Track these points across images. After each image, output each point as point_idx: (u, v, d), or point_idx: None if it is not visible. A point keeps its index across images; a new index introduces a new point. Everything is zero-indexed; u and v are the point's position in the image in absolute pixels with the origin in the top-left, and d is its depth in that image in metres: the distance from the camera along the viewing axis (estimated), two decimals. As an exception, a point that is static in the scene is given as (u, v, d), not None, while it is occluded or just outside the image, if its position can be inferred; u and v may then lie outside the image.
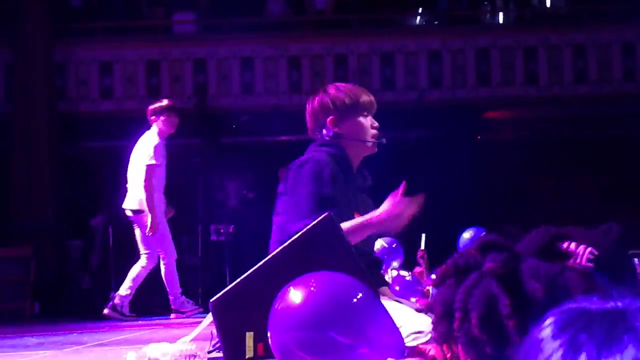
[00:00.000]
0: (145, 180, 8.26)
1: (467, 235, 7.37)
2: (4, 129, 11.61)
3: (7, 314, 9.76)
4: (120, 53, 12.38)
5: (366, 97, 3.47)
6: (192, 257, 10.96)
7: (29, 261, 10.36)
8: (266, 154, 11.59)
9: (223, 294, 2.67)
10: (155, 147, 8.43)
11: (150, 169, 8.34)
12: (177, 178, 11.53)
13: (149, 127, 8.67)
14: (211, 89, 12.37)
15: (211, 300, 2.66)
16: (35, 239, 10.73)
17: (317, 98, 3.45)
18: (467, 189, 11.33)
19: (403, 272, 6.18)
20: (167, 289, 8.55)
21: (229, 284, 2.74)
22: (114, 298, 8.55)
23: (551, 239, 1.54)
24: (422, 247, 7.29)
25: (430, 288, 5.45)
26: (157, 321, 8.34)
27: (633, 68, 12.44)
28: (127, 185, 8.56)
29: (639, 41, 12.49)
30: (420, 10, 13.21)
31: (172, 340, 3.59)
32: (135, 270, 8.52)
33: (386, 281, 3.56)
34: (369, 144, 3.41)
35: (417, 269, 6.91)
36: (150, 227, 8.16)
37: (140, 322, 8.31)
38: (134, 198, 8.40)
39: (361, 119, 3.42)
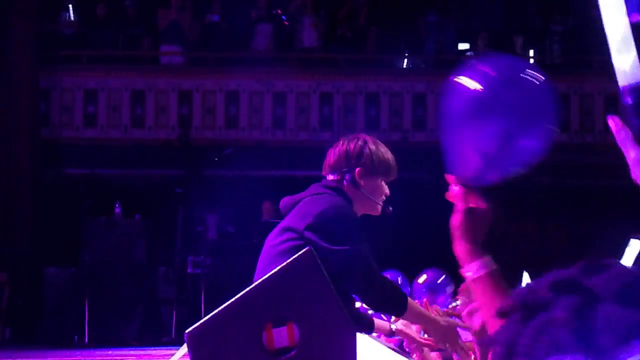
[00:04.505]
0: None
1: (421, 279, 7.26)
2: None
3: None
4: (105, 81, 12.39)
5: (394, 165, 3.52)
6: (167, 289, 10.89)
7: (2, 287, 10.25)
8: (248, 189, 11.58)
9: (199, 325, 2.66)
10: None
11: None
12: (157, 209, 11.50)
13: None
14: (195, 120, 12.38)
15: (187, 331, 2.64)
16: (10, 265, 10.62)
17: (356, 143, 3.46)
18: (448, 230, 11.32)
19: None
20: None
21: (204, 317, 2.72)
22: None
23: (634, 281, 1.34)
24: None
25: (393, 326, 5.38)
26: (131, 352, 8.27)
27: (615, 119, 12.55)
28: None
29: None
30: (406, 53, 13.31)
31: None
32: None
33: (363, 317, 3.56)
34: (378, 207, 3.47)
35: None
36: None
37: (111, 352, 8.23)
38: None
39: (382, 181, 3.46)
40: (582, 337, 1.25)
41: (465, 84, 1.85)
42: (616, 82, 1.23)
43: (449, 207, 1.95)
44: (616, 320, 1.26)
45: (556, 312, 1.26)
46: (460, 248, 1.87)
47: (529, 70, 1.84)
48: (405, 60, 13.38)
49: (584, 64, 13.01)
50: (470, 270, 1.83)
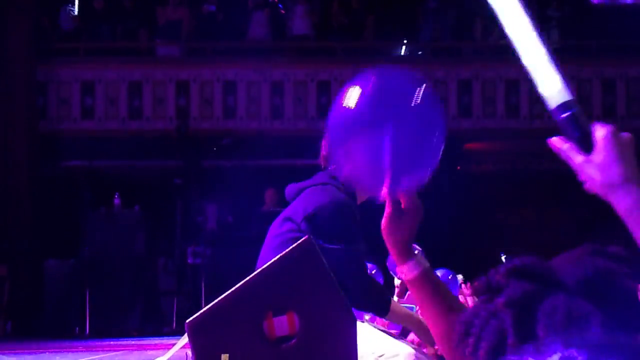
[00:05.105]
0: None
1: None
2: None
3: (-21, 333, 9.66)
4: (102, 74, 12.37)
5: None
6: (168, 280, 10.90)
7: (3, 281, 10.26)
8: (247, 179, 11.58)
9: (200, 314, 2.66)
10: None
11: None
12: (156, 200, 11.50)
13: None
14: (193, 111, 12.37)
15: (188, 321, 2.64)
16: (10, 259, 10.63)
17: None
18: (445, 219, 11.33)
19: None
20: None
21: (204, 307, 2.73)
22: None
23: (603, 274, 1.31)
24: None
25: None
26: (132, 342, 8.28)
27: (613, 103, 12.56)
28: None
29: (620, 78, 12.61)
30: (404, 40, 13.29)
31: (147, 361, 3.56)
32: None
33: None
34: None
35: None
36: None
37: (113, 342, 8.24)
38: None
39: None
40: (522, 325, 1.23)
41: (343, 102, 1.87)
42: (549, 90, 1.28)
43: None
44: (560, 310, 1.22)
45: (503, 298, 1.26)
46: (391, 250, 1.86)
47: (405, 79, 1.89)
48: (403, 48, 13.36)
49: (582, 49, 12.99)
50: (403, 272, 1.82)
